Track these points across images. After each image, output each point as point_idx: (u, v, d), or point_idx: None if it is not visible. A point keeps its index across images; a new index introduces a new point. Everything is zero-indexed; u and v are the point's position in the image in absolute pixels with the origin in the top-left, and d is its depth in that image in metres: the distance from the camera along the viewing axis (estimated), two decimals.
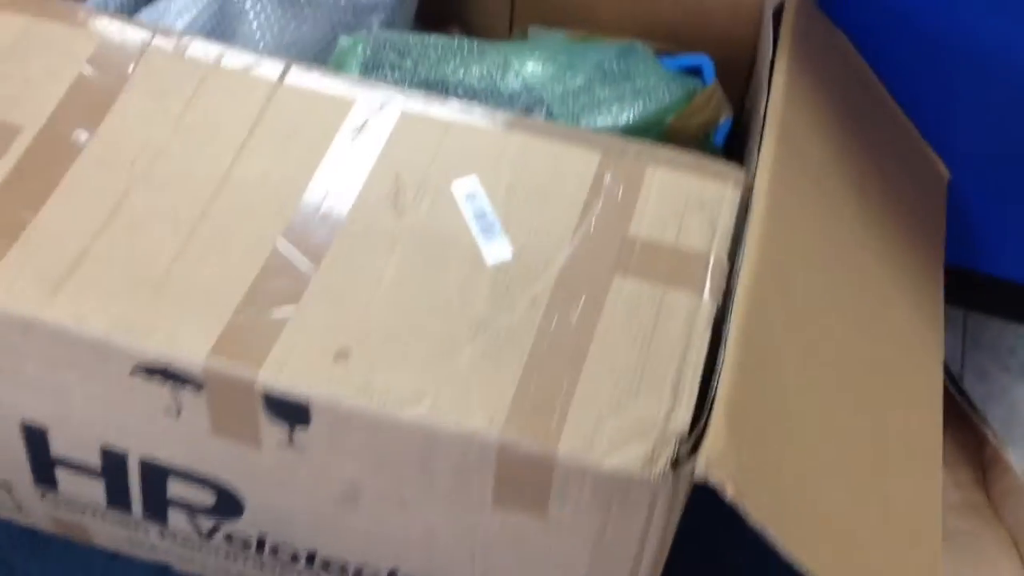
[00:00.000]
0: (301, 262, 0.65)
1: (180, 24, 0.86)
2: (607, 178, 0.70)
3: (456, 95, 0.84)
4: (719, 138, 0.90)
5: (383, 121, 0.73)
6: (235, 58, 0.75)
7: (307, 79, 0.74)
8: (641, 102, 0.86)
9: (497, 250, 0.66)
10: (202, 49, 0.75)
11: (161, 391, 0.63)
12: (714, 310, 0.63)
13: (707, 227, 0.67)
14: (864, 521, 0.68)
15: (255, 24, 0.89)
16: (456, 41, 0.87)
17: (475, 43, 0.88)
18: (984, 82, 0.94)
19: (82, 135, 0.70)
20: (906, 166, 0.99)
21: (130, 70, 0.74)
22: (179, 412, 0.64)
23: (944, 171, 1.01)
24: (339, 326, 0.62)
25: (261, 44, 0.89)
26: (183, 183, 0.68)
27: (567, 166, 0.71)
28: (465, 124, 0.73)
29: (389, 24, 0.93)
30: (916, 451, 0.79)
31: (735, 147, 0.90)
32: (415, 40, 0.86)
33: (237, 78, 0.74)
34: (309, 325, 0.62)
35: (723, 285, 0.65)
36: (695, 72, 0.90)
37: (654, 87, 0.87)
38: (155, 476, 0.69)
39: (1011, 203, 1.04)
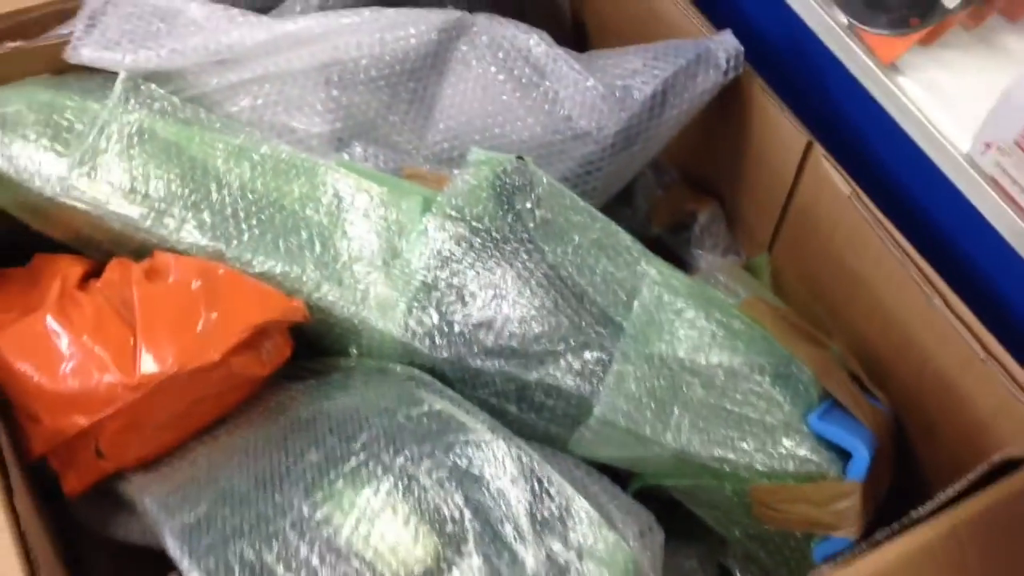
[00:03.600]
0: None
1: (392, 36, 0.76)
2: None
3: (554, 277, 0.66)
4: (823, 551, 0.63)
5: None
6: None
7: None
8: (729, 444, 0.62)
9: None
10: None
11: None
12: None
13: None
14: None
15: (462, 79, 0.78)
16: (618, 235, 0.68)
17: (634, 246, 0.68)
18: None
19: None
20: None
21: None
22: None
23: None
24: None
25: (452, 99, 0.78)
26: None
27: None
28: None
29: (590, 163, 0.76)
30: None
31: None
32: (564, 199, 0.69)
33: None
34: None
35: None
36: (844, 452, 0.62)
37: (765, 438, 0.62)
38: None
39: None
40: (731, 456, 0.62)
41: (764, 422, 0.63)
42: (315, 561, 0.53)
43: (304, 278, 0.67)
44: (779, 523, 0.63)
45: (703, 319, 0.65)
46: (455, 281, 0.66)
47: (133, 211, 0.67)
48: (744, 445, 0.62)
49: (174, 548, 0.54)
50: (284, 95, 0.74)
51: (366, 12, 0.76)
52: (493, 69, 0.78)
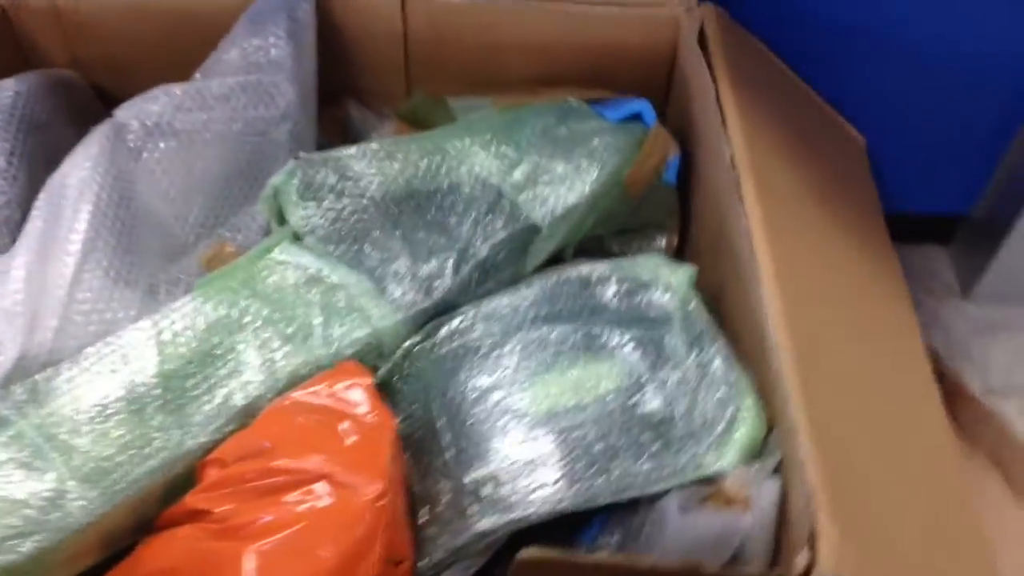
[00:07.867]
0: None
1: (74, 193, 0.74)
2: None
3: (412, 205, 0.77)
4: (671, 175, 0.88)
5: None
6: None
7: None
8: (597, 164, 0.82)
9: None
10: None
11: None
12: None
13: None
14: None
15: (156, 170, 0.78)
16: (390, 144, 0.80)
17: (406, 141, 0.81)
18: (886, 58, 0.99)
19: None
20: (834, 142, 1.01)
21: None
22: None
23: (860, 137, 1.04)
24: None
25: (168, 187, 0.79)
26: None
27: None
28: None
29: (298, 129, 0.84)
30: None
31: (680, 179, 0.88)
32: (347, 154, 0.78)
33: None
34: None
35: None
36: (636, 117, 0.87)
37: (606, 144, 0.83)
38: None
39: (913, 151, 1.08)
40: (593, 175, 0.81)
41: (589, 146, 0.83)
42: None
43: (308, 366, 0.70)
44: (645, 183, 0.86)
45: (490, 121, 0.83)
46: (373, 263, 0.75)
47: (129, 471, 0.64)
48: (591, 164, 0.82)
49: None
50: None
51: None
52: (168, 142, 0.79)
